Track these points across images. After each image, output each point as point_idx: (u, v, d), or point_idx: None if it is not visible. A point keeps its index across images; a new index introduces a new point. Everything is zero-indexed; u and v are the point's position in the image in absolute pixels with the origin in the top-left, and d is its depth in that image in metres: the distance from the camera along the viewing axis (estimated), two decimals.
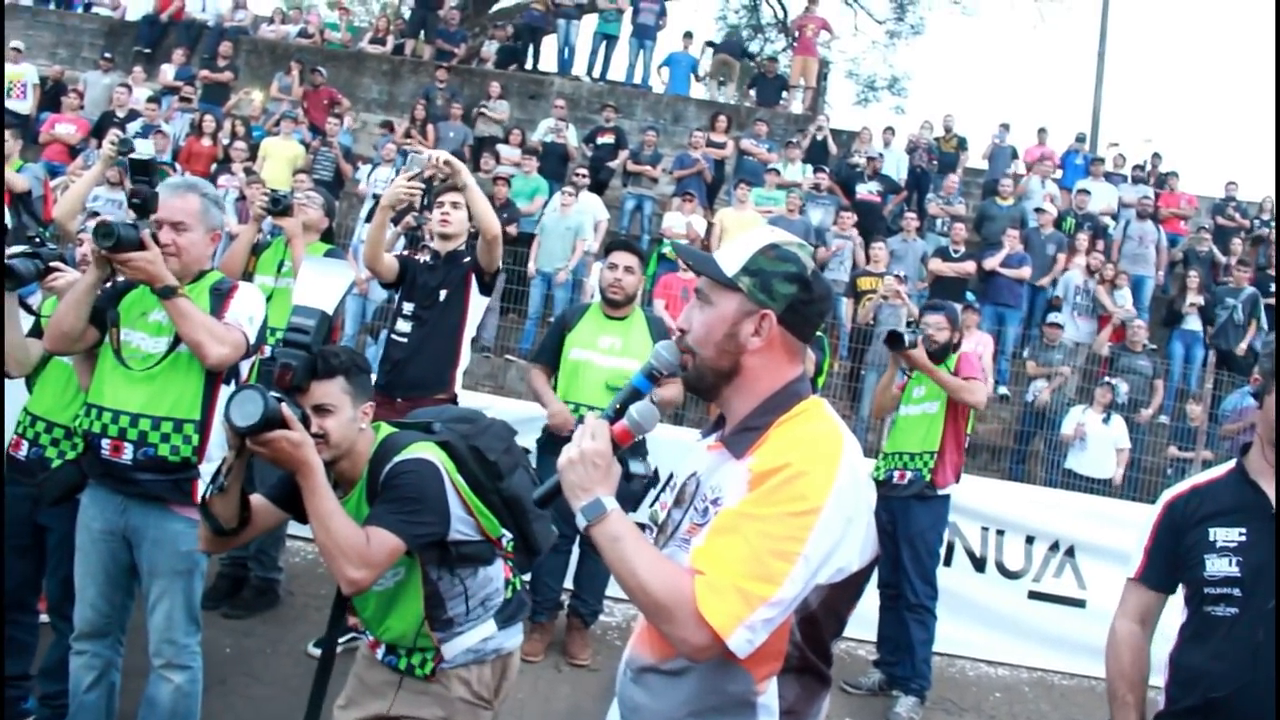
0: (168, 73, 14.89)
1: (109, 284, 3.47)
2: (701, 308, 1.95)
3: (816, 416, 1.89)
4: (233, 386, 3.50)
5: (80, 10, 17.78)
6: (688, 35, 17.20)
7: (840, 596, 1.85)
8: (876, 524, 5.70)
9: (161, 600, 3.44)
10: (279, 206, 5.47)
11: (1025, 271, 11.40)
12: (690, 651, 1.75)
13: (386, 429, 2.94)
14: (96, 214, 6.16)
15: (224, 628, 5.16)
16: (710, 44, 18.20)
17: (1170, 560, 2.76)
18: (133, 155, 3.39)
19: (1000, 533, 6.63)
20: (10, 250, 3.95)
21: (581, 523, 1.83)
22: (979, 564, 6.62)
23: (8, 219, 5.19)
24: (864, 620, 5.93)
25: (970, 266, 11.30)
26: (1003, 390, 10.83)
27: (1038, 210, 12.55)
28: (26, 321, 4.25)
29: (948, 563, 6.50)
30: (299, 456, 2.55)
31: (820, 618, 1.84)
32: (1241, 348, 10.97)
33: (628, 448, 1.95)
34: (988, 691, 6.20)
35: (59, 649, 3.87)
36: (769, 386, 1.91)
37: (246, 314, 3.52)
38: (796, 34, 17.91)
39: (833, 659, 1.97)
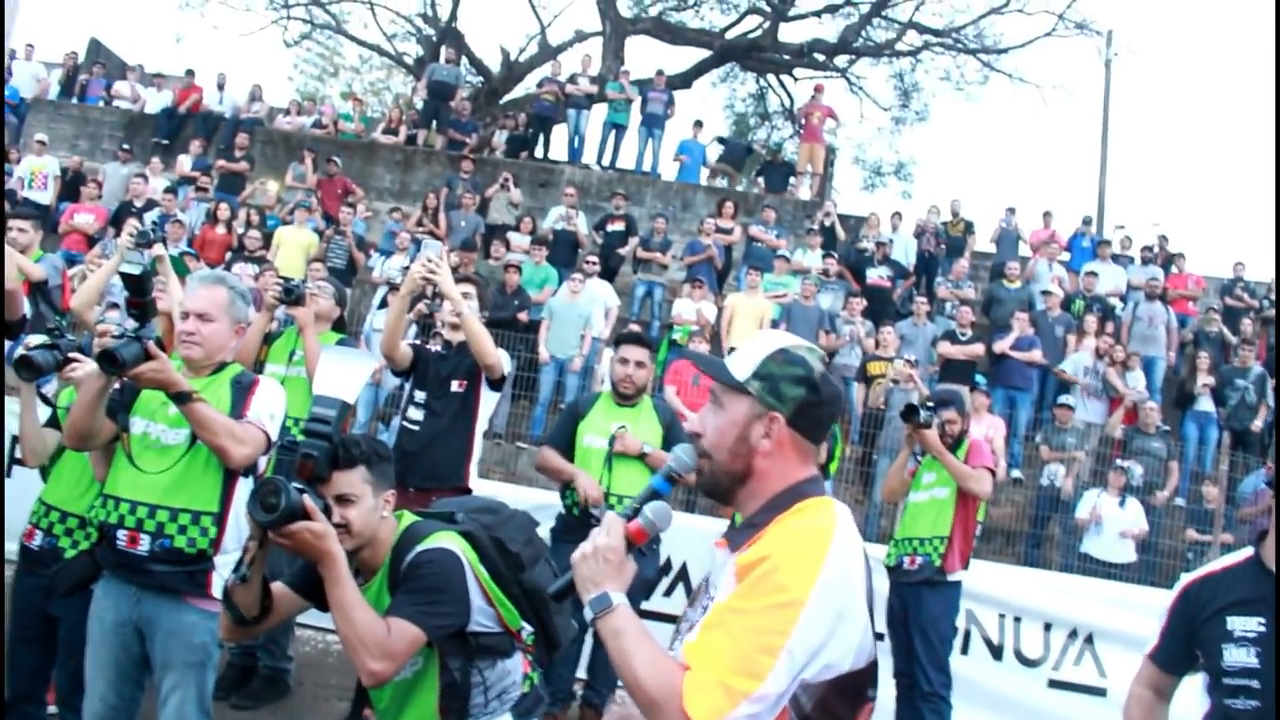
0: (185, 163, 15.18)
1: (120, 384, 3.49)
2: (715, 411, 1.97)
3: (813, 512, 1.88)
4: (250, 479, 3.51)
5: (101, 103, 18.18)
6: (698, 124, 17.47)
7: (836, 700, 1.80)
8: (889, 612, 5.64)
9: (174, 693, 3.40)
10: (291, 296, 5.51)
11: (1036, 354, 11.40)
12: None
13: (409, 518, 2.94)
14: (117, 305, 6.22)
15: (233, 719, 5.09)
16: (720, 139, 18.46)
17: (1182, 646, 2.77)
18: (122, 269, 3.41)
19: (1018, 620, 6.53)
20: (29, 340, 3.99)
21: (588, 615, 1.88)
22: (997, 652, 6.51)
23: (26, 309, 5.24)
24: (882, 709, 5.83)
25: (979, 349, 11.33)
26: (1016, 474, 10.77)
27: (1045, 293, 12.61)
28: (43, 412, 4.29)
29: (965, 651, 6.40)
30: (321, 547, 2.56)
31: (837, 710, 1.80)
32: (1256, 425, 10.92)
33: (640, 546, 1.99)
34: None
35: None
36: (777, 487, 1.92)
37: (268, 411, 3.54)
38: (803, 121, 18.18)
39: None
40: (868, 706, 1.86)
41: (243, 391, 3.54)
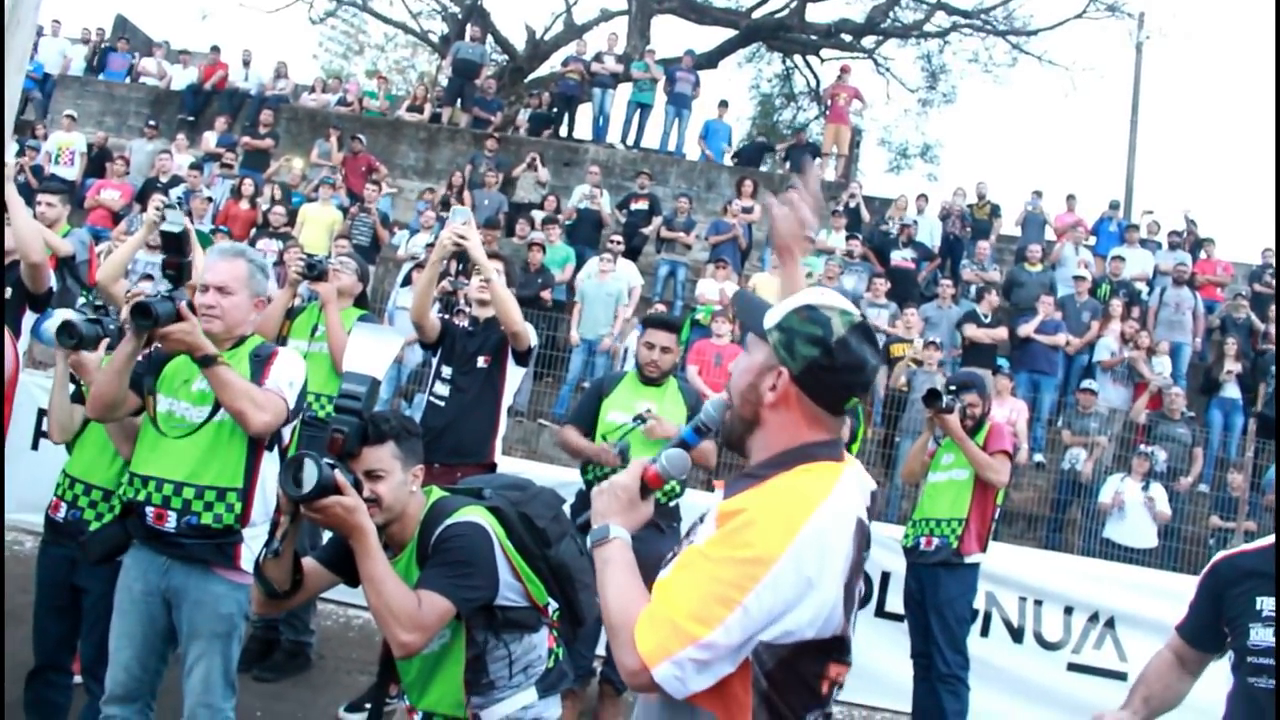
0: (210, 140, 15.22)
1: (147, 351, 3.51)
2: (744, 356, 1.99)
3: (812, 475, 1.84)
4: (275, 452, 3.53)
5: (127, 80, 18.25)
6: (723, 104, 17.39)
7: (802, 663, 1.78)
8: (906, 593, 5.59)
9: (200, 662, 3.43)
10: (314, 271, 5.53)
11: (1060, 338, 11.34)
12: (625, 675, 1.78)
13: (437, 493, 2.96)
14: (150, 276, 6.24)
15: (255, 691, 5.13)
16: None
17: (1208, 619, 2.78)
18: (163, 228, 3.44)
19: (1039, 603, 6.53)
20: (56, 314, 4.02)
21: (589, 543, 1.98)
22: (1017, 635, 6.51)
23: (53, 283, 5.28)
24: (900, 691, 5.86)
25: (1004, 333, 11.26)
26: (1038, 458, 10.73)
27: (1076, 278, 12.50)
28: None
29: (985, 633, 6.40)
30: (352, 521, 2.59)
31: (780, 680, 1.77)
32: None
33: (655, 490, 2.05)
34: None
35: (91, 711, 3.87)
36: (784, 444, 1.89)
37: (287, 379, 3.54)
38: (829, 102, 18.08)
39: None
40: (834, 667, 1.83)
41: (261, 363, 3.55)
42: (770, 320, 1.93)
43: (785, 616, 1.71)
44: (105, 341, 3.95)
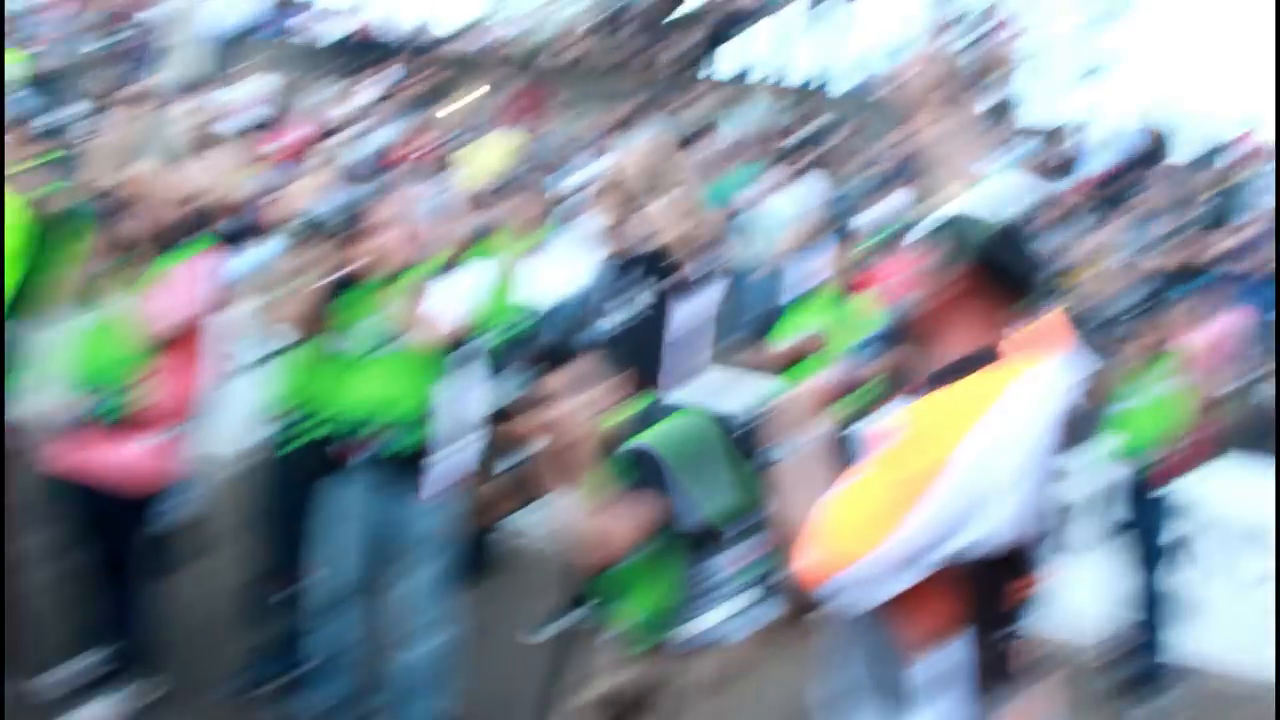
0: (372, 89, 15.61)
1: (329, 281, 3.63)
2: (912, 267, 1.98)
3: (985, 381, 1.79)
4: (461, 375, 3.61)
5: (289, 38, 18.94)
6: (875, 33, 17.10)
7: (983, 579, 1.75)
8: (1107, 521, 5.38)
9: (409, 575, 3.60)
10: (489, 196, 5.63)
11: (1260, 259, 10.71)
12: (800, 591, 1.81)
13: (631, 408, 2.96)
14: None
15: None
16: None
17: None
18: (349, 163, 3.59)
19: (1250, 536, 6.19)
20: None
21: (774, 455, 2.00)
22: (1227, 568, 6.18)
23: (240, 224, 5.53)
24: (1100, 623, 5.65)
25: (1195, 254, 10.71)
26: (1247, 380, 10.16)
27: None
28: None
29: (1190, 565, 6.08)
30: (552, 438, 2.73)
31: (962, 595, 1.76)
32: None
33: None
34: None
35: (302, 624, 4.00)
36: (957, 350, 1.87)
37: (459, 297, 3.69)
38: (990, 24, 17.55)
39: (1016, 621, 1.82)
40: (1020, 582, 1.81)
41: (428, 287, 3.68)
42: (929, 225, 1.92)
43: (956, 531, 1.70)
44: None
